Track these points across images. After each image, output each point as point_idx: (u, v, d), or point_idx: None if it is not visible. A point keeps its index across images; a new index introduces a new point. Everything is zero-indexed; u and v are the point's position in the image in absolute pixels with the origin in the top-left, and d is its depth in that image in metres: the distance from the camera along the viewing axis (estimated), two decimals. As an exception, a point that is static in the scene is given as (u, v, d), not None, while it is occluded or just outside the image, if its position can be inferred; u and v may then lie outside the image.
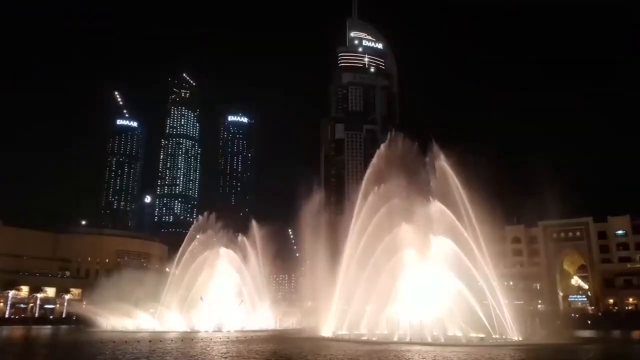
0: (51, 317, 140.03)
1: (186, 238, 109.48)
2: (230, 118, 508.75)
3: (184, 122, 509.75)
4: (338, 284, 76.23)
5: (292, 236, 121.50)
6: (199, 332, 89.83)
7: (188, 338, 71.01)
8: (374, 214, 73.29)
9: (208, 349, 54.65)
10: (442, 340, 62.30)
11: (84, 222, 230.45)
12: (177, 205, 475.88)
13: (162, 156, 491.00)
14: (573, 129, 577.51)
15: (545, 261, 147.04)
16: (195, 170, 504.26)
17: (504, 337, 64.78)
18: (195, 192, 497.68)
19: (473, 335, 64.85)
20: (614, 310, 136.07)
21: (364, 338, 68.73)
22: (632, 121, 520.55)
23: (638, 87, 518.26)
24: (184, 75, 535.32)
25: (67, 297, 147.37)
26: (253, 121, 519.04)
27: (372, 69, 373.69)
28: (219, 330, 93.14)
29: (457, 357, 45.90)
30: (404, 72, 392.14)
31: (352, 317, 74.67)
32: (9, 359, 47.63)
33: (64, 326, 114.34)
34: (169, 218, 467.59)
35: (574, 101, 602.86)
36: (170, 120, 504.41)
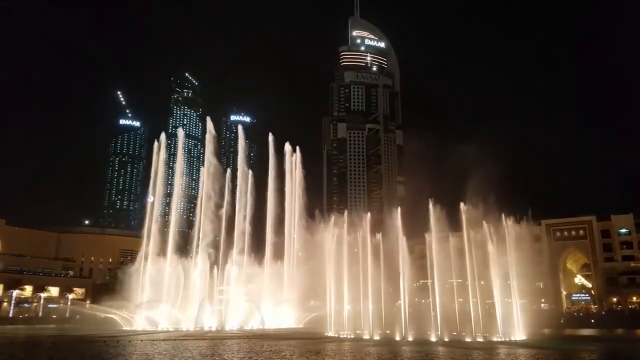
0: (54, 316, 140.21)
1: None
2: (233, 117, 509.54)
3: (187, 121, 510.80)
4: (345, 285, 76.19)
5: (294, 235, 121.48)
6: (199, 330, 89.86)
7: (188, 337, 71.07)
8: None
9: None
10: (446, 340, 62.28)
11: (87, 222, 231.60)
12: (180, 204, 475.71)
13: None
14: (577, 128, 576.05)
15: (549, 260, 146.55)
16: (197, 170, 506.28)
17: (506, 336, 64.69)
18: (197, 192, 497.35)
19: (478, 334, 64.70)
20: (618, 308, 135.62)
21: (366, 337, 68.80)
22: (635, 120, 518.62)
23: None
24: (186, 75, 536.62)
25: (70, 296, 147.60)
26: (255, 120, 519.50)
27: (375, 68, 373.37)
28: (221, 330, 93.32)
29: (465, 357, 45.84)
30: (406, 71, 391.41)
31: (355, 317, 74.73)
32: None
33: (67, 325, 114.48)
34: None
35: (577, 100, 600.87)
36: (173, 120, 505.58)
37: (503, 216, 71.39)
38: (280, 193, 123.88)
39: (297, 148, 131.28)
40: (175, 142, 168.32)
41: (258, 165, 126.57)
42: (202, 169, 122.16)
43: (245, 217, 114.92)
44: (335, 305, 78.27)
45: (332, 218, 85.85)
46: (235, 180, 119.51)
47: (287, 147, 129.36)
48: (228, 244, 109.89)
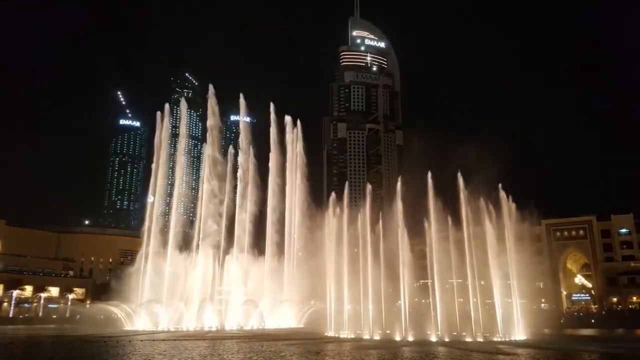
0: (54, 316, 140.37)
1: None
2: (233, 117, 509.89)
3: (187, 121, 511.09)
4: (345, 284, 76.20)
5: (294, 235, 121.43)
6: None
7: (188, 337, 71.07)
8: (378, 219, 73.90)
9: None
10: (446, 340, 62.29)
11: (87, 222, 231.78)
12: (180, 204, 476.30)
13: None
14: (577, 128, 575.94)
15: (549, 260, 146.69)
16: (197, 170, 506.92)
17: (507, 336, 64.71)
18: (196, 191, 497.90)
19: (478, 334, 64.69)
20: (618, 308, 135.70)
21: (366, 337, 68.79)
22: (635, 120, 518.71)
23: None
24: (187, 75, 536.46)
25: (70, 296, 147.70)
26: (255, 120, 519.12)
27: (375, 68, 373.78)
28: (221, 330, 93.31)
29: (466, 357, 45.83)
30: (406, 71, 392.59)
31: (355, 316, 74.74)
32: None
33: (67, 325, 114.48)
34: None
35: (577, 100, 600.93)
36: (173, 120, 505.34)
37: (500, 186, 71.20)
38: (281, 178, 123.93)
39: (298, 121, 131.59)
40: (176, 142, 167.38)
41: (258, 164, 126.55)
42: (204, 145, 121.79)
43: (246, 209, 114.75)
44: (335, 305, 78.26)
45: (332, 194, 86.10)
46: (234, 177, 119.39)
47: (288, 119, 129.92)
48: (229, 229, 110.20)
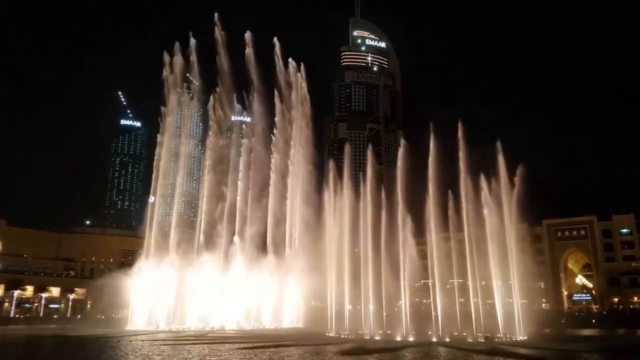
0: (55, 316, 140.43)
1: None
2: (234, 118, 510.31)
3: (187, 121, 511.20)
4: (345, 285, 76.23)
5: (295, 235, 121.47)
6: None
7: (189, 337, 71.04)
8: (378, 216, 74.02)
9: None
10: (447, 340, 62.21)
11: (88, 222, 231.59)
12: (181, 205, 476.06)
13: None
14: (578, 128, 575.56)
15: (550, 260, 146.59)
16: (198, 170, 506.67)
17: (508, 336, 64.65)
18: (198, 192, 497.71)
19: (479, 334, 64.62)
20: (619, 308, 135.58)
21: (367, 337, 68.72)
22: (635, 120, 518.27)
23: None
24: (187, 75, 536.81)
25: (71, 296, 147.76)
26: (255, 121, 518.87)
27: (375, 68, 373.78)
28: (222, 329, 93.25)
29: (465, 358, 45.75)
30: (407, 71, 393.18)
31: (356, 316, 74.75)
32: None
33: (68, 325, 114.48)
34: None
35: (577, 100, 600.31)
36: (174, 120, 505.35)
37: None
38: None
39: (302, 64, 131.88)
40: (178, 142, 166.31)
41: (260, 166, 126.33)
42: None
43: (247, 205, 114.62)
44: (335, 304, 78.31)
45: (331, 162, 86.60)
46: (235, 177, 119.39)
47: (291, 62, 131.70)
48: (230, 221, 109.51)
